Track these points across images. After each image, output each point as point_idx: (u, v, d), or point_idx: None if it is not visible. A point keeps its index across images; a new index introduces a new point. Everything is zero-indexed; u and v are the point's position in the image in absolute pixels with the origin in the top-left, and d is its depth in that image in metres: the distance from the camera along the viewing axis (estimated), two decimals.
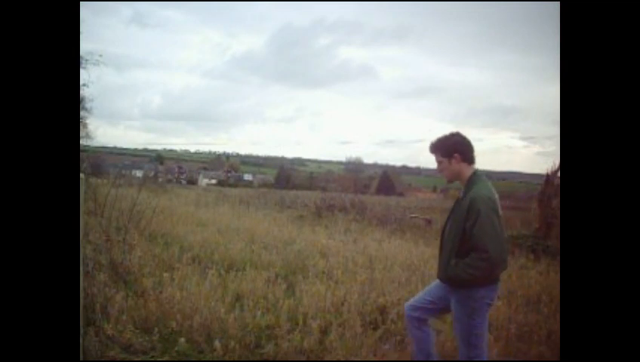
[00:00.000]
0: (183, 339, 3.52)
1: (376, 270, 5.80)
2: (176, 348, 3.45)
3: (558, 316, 4.33)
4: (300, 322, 3.95)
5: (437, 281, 3.00)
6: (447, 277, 2.77)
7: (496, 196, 2.74)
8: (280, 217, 12.78)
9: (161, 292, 4.25)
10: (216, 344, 3.43)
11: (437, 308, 3.00)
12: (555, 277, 6.15)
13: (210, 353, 3.44)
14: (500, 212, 2.70)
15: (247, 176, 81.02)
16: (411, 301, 3.13)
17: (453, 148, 2.83)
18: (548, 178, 9.77)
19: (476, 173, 2.83)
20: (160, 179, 37.01)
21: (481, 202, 2.62)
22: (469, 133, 2.89)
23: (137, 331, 3.60)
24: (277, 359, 3.46)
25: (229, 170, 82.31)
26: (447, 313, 3.02)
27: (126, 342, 3.44)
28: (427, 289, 3.11)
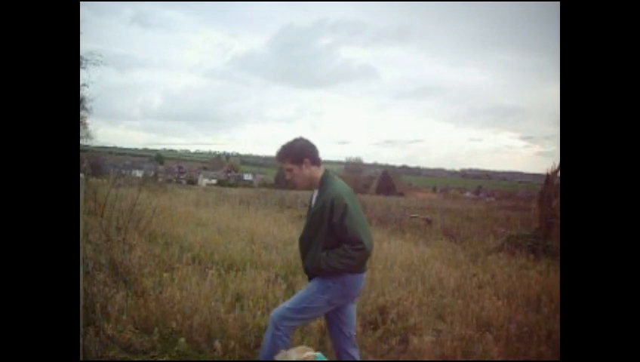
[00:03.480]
0: (183, 339, 3.52)
1: (376, 270, 5.79)
2: (176, 348, 3.46)
3: (558, 316, 4.33)
4: None
5: None
6: (320, 269, 2.72)
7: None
8: (280, 217, 12.77)
9: (161, 292, 4.25)
10: (216, 344, 3.44)
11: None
12: (555, 277, 6.15)
13: (210, 353, 3.44)
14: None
15: (247, 176, 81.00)
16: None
17: (302, 153, 2.83)
18: (548, 178, 9.78)
19: (328, 173, 2.87)
20: (160, 179, 36.90)
21: (347, 197, 2.71)
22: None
23: (137, 331, 3.60)
24: None
25: (229, 170, 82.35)
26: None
27: (126, 342, 3.44)
28: None
